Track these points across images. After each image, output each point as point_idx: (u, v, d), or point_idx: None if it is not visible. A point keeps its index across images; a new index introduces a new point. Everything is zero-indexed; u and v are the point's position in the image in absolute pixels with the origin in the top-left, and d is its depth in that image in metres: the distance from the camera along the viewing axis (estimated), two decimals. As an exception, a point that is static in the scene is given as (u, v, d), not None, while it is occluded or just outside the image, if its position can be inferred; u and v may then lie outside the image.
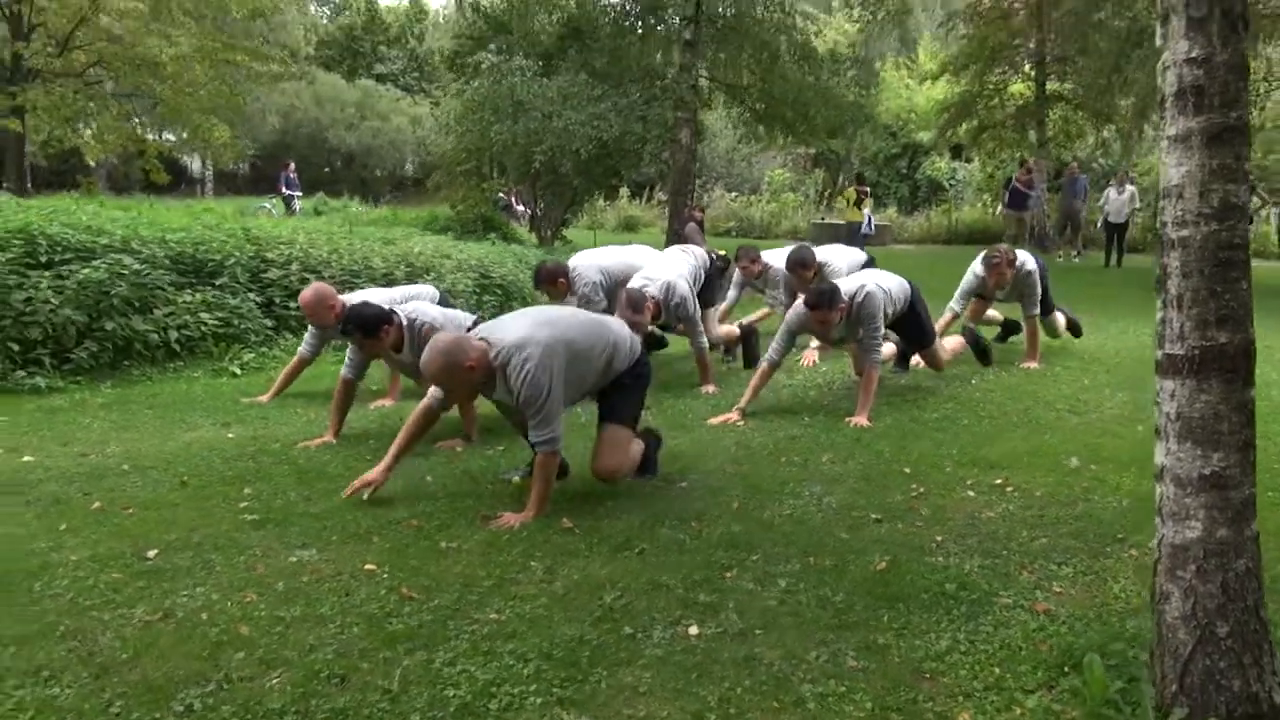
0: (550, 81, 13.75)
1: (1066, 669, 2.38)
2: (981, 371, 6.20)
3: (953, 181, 29.88)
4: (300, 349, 5.55)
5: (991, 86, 20.25)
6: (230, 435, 4.77)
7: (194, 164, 36.62)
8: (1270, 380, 5.74)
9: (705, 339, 5.88)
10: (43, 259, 6.06)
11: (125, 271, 6.10)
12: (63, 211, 7.05)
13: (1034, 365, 6.34)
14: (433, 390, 3.67)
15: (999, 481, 4.00)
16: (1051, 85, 19.60)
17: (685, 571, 2.99)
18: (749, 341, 6.57)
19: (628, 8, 16.93)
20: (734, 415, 5.02)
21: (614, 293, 5.89)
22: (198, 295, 6.63)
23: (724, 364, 6.64)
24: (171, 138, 17.91)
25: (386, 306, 4.56)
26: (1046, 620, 2.67)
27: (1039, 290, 6.35)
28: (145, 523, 3.41)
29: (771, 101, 16.57)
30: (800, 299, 5.17)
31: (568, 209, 18.07)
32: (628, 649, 2.48)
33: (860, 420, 4.85)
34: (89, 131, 16.03)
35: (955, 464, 4.25)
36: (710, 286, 6.48)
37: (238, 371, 6.33)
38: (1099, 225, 17.64)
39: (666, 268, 6.04)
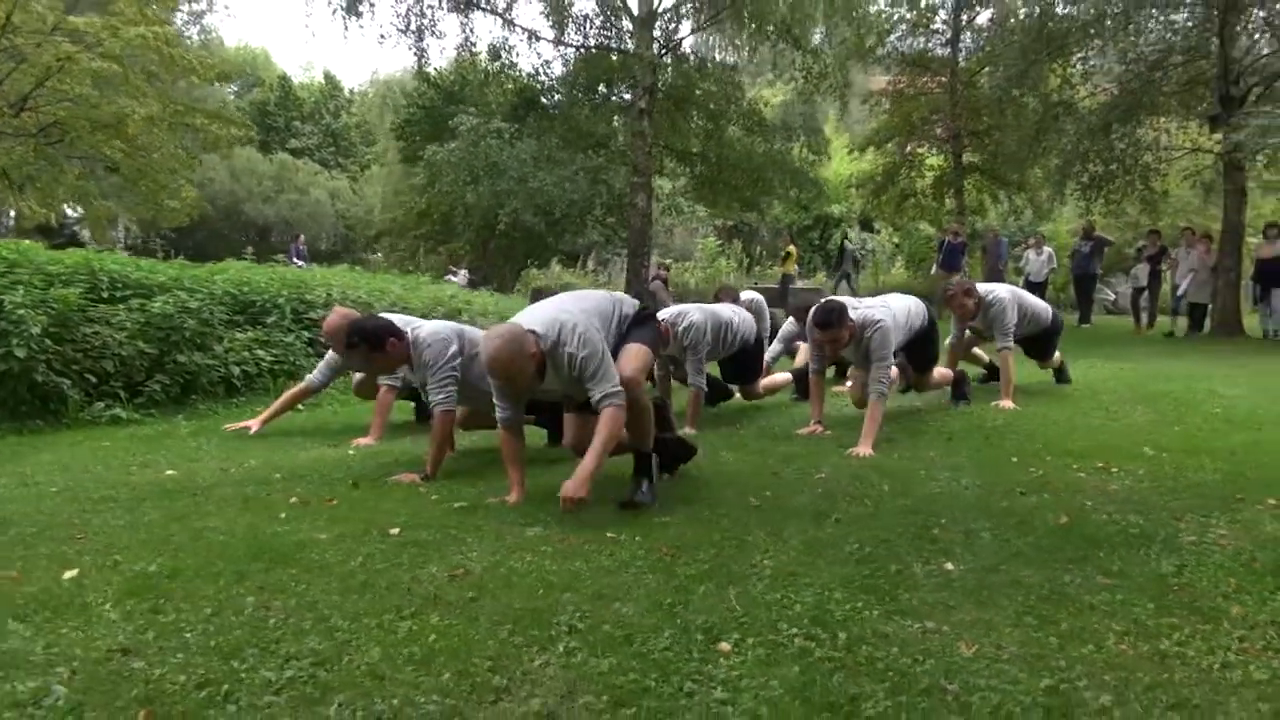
0: (524, 144, 14.14)
1: (1288, 579, 2.73)
2: (969, 410, 6.08)
3: (863, 251, 31.56)
4: (310, 376, 5.48)
5: (912, 158, 21.64)
6: (351, 452, 4.85)
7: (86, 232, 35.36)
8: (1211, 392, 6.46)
9: (703, 379, 5.70)
10: (104, 294, 6.01)
11: (191, 307, 6.10)
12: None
13: (1007, 404, 6.06)
14: (499, 409, 3.70)
15: (1100, 465, 4.41)
16: (967, 157, 21.06)
17: (896, 530, 3.26)
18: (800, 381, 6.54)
19: (581, 79, 17.61)
20: (816, 428, 5.26)
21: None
22: (249, 334, 6.65)
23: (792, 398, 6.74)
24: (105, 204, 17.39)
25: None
26: (1241, 547, 3.04)
27: (1010, 324, 6.19)
28: (359, 510, 3.51)
29: (719, 167, 17.36)
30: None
31: (518, 273, 18.39)
32: (907, 579, 2.75)
33: (863, 450, 4.64)
34: (31, 195, 15.55)
35: (1053, 454, 4.64)
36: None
37: (300, 407, 6.34)
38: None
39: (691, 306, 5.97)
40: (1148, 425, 5.60)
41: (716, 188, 17.73)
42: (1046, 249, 18.03)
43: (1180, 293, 14.73)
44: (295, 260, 20.42)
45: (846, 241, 21.71)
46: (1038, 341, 6.81)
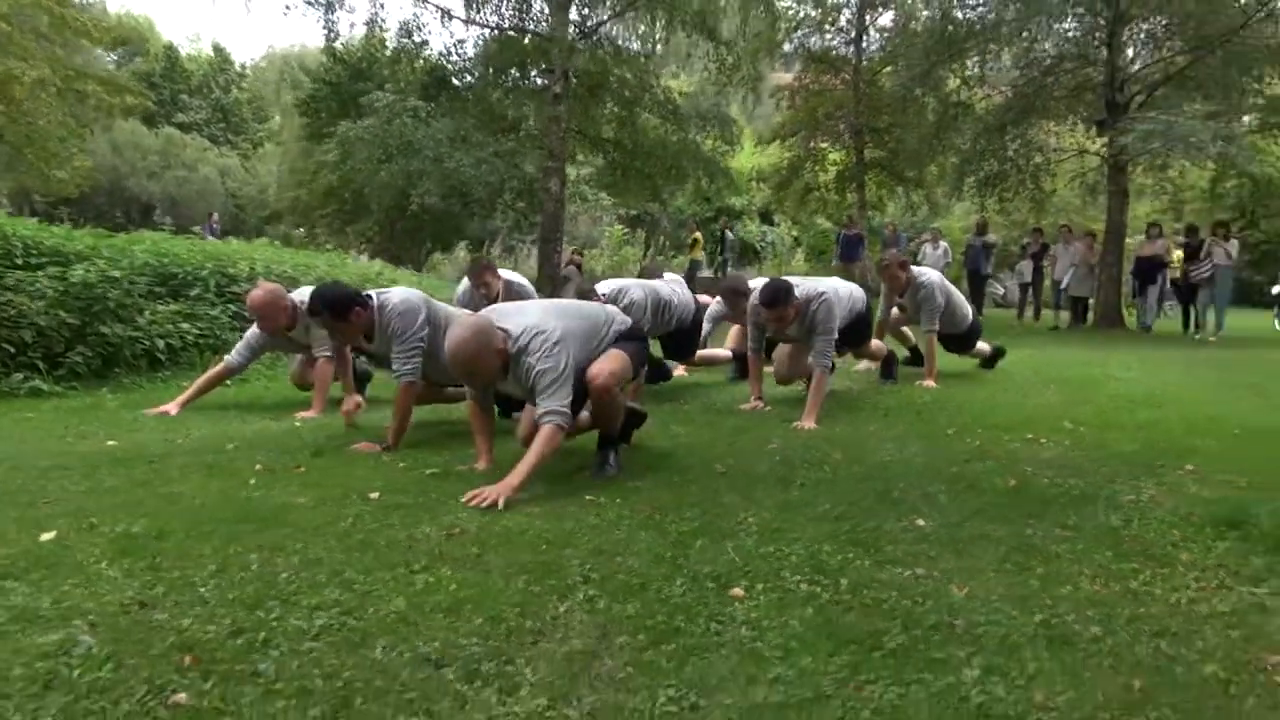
0: (440, 124, 13.92)
1: (1224, 530, 3.00)
2: (897, 389, 6.36)
3: (763, 243, 32.44)
4: (229, 358, 5.13)
5: (816, 153, 22.18)
6: (298, 425, 4.76)
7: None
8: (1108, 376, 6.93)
9: None
10: (18, 261, 5.72)
11: (113, 276, 5.85)
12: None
13: (930, 384, 6.30)
14: (469, 388, 3.74)
15: (1030, 437, 4.68)
16: (868, 153, 21.70)
17: (859, 493, 3.41)
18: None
19: (493, 61, 17.40)
20: (758, 404, 5.35)
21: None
22: (172, 306, 6.41)
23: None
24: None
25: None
26: (1174, 505, 3.31)
27: (936, 307, 6.38)
28: (331, 476, 3.47)
29: (633, 154, 17.44)
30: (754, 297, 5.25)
31: (426, 256, 18.12)
32: (886, 534, 2.90)
33: (808, 423, 4.75)
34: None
35: (983, 428, 4.90)
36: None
37: (228, 382, 6.16)
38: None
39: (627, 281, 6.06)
40: (1061, 403, 5.94)
41: (629, 174, 17.80)
42: (943, 243, 18.73)
43: (1063, 286, 15.53)
44: (209, 238, 19.65)
45: (728, 232, 22.22)
46: (954, 340, 7.09)
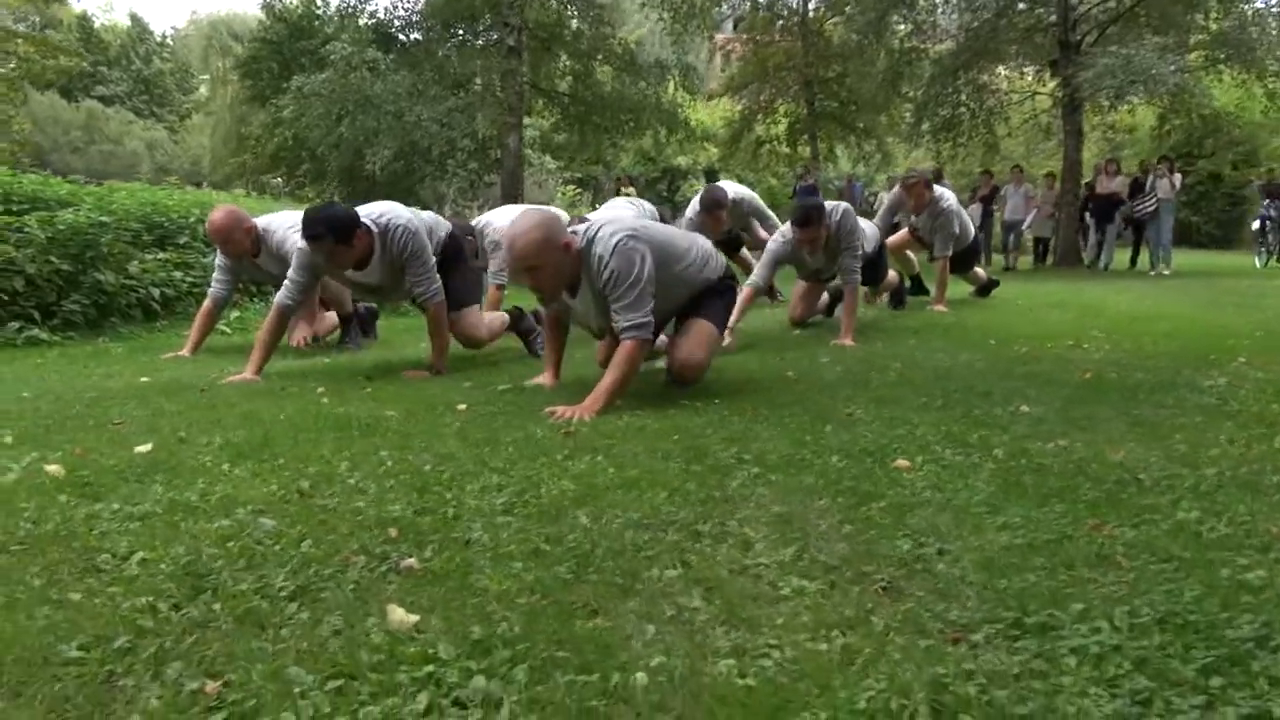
0: (398, 77, 13.49)
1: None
2: (913, 314, 6.38)
3: (712, 201, 32.15)
4: (212, 290, 4.79)
5: (767, 105, 22.09)
6: (326, 361, 4.57)
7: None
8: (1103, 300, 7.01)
9: None
10: (14, 208, 5.36)
11: (104, 221, 5.53)
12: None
13: (942, 308, 6.34)
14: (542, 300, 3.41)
15: (1070, 344, 4.71)
16: (820, 104, 21.69)
17: (944, 389, 3.34)
18: None
19: (440, 17, 16.92)
20: (727, 337, 4.42)
21: None
22: (161, 255, 6.10)
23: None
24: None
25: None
26: (1256, 385, 3.32)
27: (952, 234, 6.39)
28: (404, 395, 3.32)
29: (589, 108, 17.16)
30: (787, 228, 5.06)
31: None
32: (1000, 418, 2.85)
33: (845, 341, 4.71)
34: None
35: (1021, 339, 4.90)
36: None
37: (227, 330, 5.90)
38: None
39: (609, 214, 5.79)
40: (1075, 320, 6.00)
41: (585, 128, 17.52)
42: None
43: (1025, 226, 15.74)
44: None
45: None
46: (957, 259, 7.08)
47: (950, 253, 6.51)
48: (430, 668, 1.15)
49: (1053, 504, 1.91)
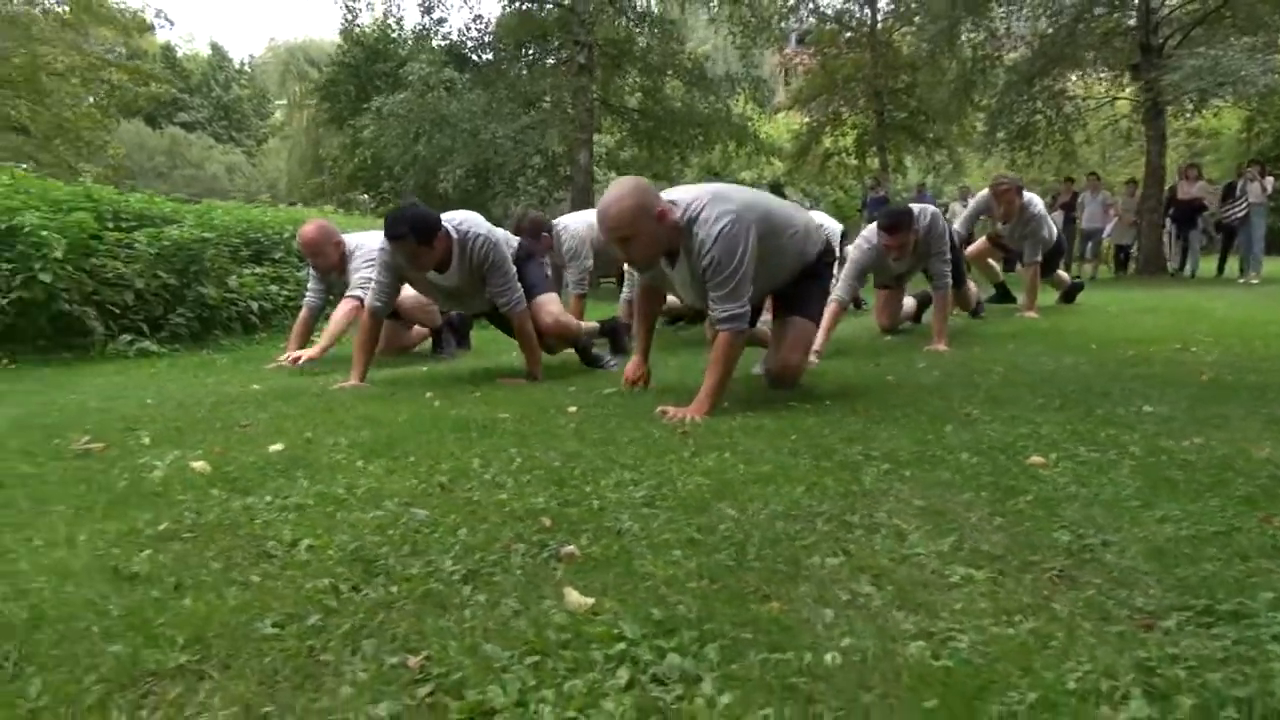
0: (474, 95, 13.72)
1: None
2: (1005, 320, 6.25)
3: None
4: (307, 299, 5.00)
5: (836, 117, 21.95)
6: (424, 370, 4.64)
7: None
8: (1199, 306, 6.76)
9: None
10: (109, 225, 5.58)
11: (207, 237, 5.71)
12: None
13: (1032, 315, 6.21)
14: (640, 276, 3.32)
15: (1178, 347, 4.57)
16: (890, 114, 21.48)
17: (1058, 391, 3.26)
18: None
19: (510, 38, 17.17)
20: (814, 359, 4.36)
21: (602, 250, 5.60)
22: (259, 269, 6.28)
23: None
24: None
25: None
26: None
27: (1042, 239, 6.27)
28: (511, 399, 3.35)
29: (657, 122, 17.23)
30: (870, 231, 4.98)
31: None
32: (1125, 417, 2.76)
33: (940, 346, 4.64)
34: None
35: (1124, 344, 4.77)
36: None
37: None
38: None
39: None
40: (1174, 325, 5.82)
41: (654, 143, 17.59)
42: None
43: (1105, 234, 15.35)
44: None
45: None
46: (1044, 259, 6.94)
47: (1040, 259, 6.40)
48: (621, 646, 1.15)
49: (1207, 498, 1.85)
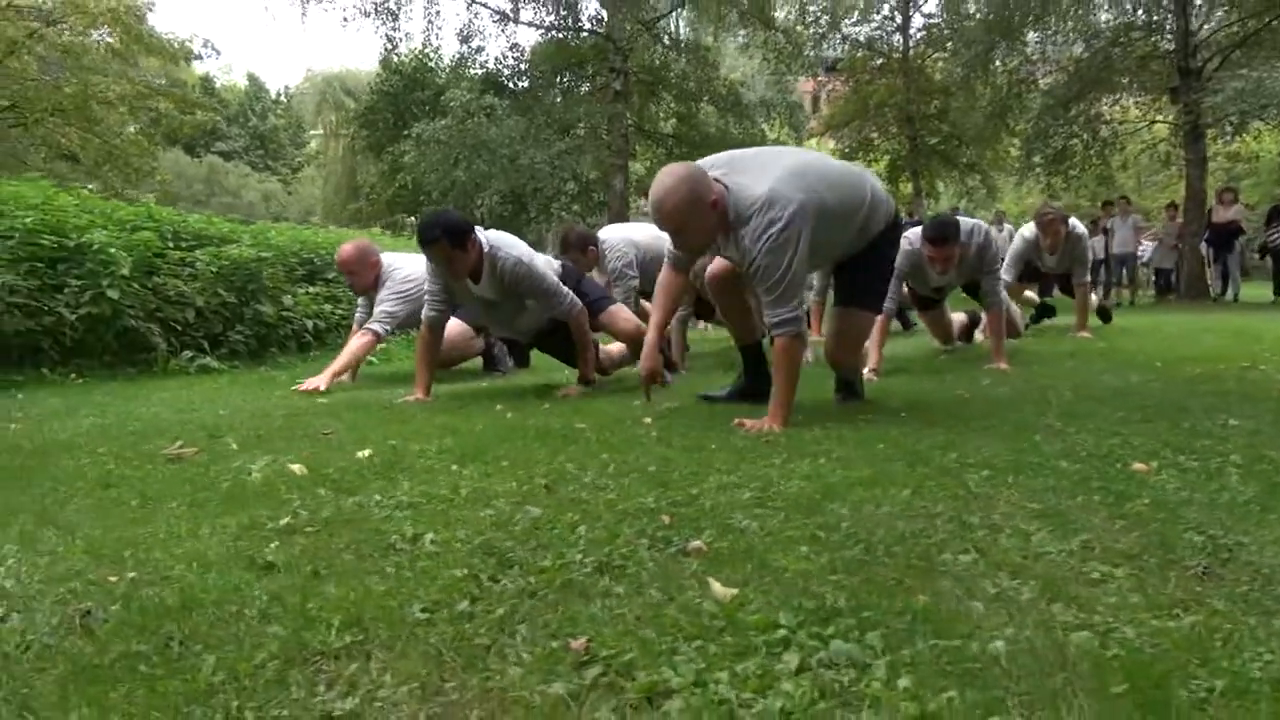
0: (512, 121, 13.88)
1: None
2: (1059, 341, 6.27)
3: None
4: (358, 316, 5.04)
5: (869, 143, 21.99)
6: (484, 385, 4.66)
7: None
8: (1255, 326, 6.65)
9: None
10: (170, 244, 5.67)
11: (265, 256, 5.79)
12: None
13: (1085, 335, 6.18)
14: (669, 249, 3.18)
15: (1245, 365, 4.49)
16: (923, 140, 21.48)
17: (1138, 407, 3.21)
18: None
19: (546, 65, 17.36)
20: (871, 375, 4.47)
21: (647, 267, 5.50)
22: (313, 289, 6.35)
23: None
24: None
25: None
26: None
27: (1088, 258, 6.33)
28: (582, 411, 3.35)
29: (692, 148, 17.30)
30: (914, 234, 4.84)
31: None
32: (1213, 430, 2.72)
33: (1000, 364, 4.54)
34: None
35: (1189, 362, 4.71)
36: None
37: (374, 360, 6.09)
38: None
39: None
40: (1235, 344, 5.73)
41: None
42: (1007, 226, 18.45)
43: (1144, 260, 15.22)
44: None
45: None
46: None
47: (1089, 278, 6.39)
48: (782, 632, 1.14)
49: (1334, 500, 1.81)
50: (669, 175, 2.79)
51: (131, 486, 2.09)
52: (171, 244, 5.69)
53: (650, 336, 3.27)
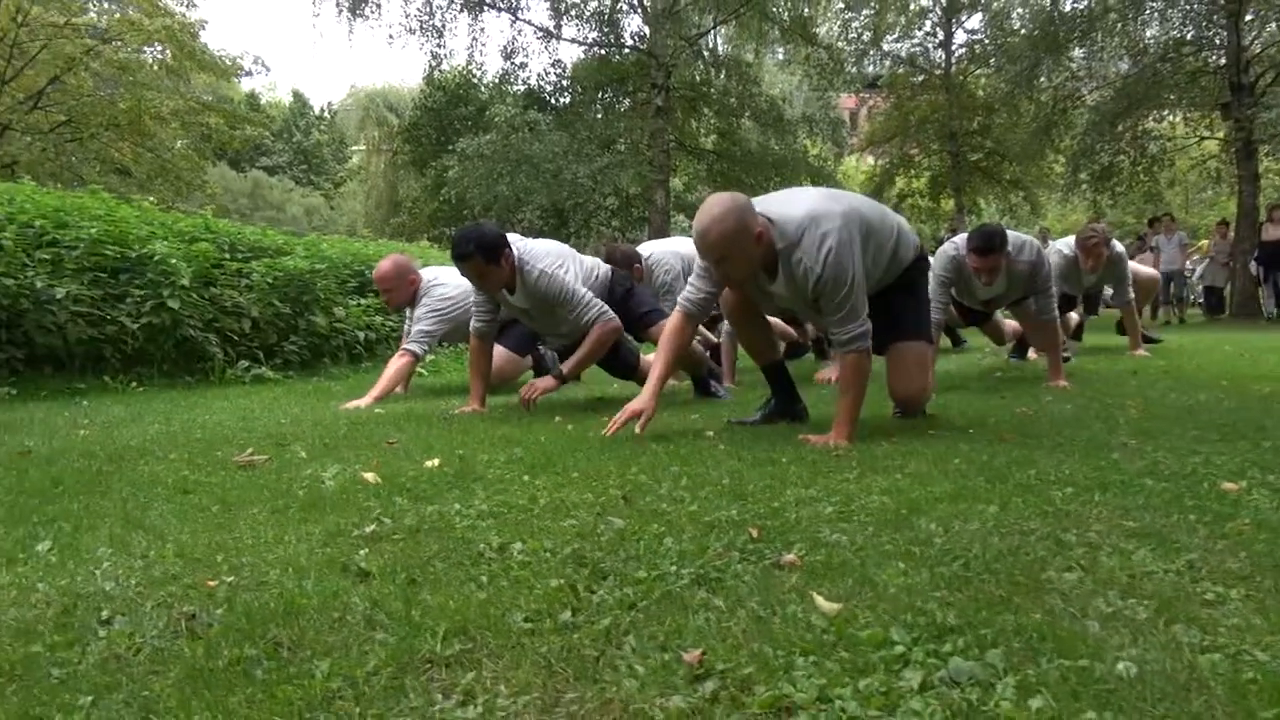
0: (556, 136, 13.97)
1: None
2: (1115, 359, 6.09)
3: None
4: (407, 345, 4.68)
5: (909, 159, 21.89)
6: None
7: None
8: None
9: None
10: (226, 255, 5.75)
11: (319, 268, 5.85)
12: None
13: (1143, 353, 6.04)
14: (685, 296, 3.13)
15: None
16: (965, 156, 21.33)
17: (1208, 422, 3.14)
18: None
19: (590, 81, 17.46)
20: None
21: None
22: (364, 301, 6.41)
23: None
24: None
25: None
26: None
27: (1130, 275, 6.12)
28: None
29: (732, 163, 17.32)
30: (960, 239, 4.74)
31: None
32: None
33: (1060, 382, 4.44)
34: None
35: (1257, 381, 4.60)
36: None
37: (424, 372, 6.12)
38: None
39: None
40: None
41: (729, 185, 17.64)
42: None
43: (1195, 277, 14.96)
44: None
45: None
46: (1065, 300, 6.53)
47: (1133, 296, 6.20)
48: (898, 649, 1.11)
49: None
50: (717, 204, 2.72)
51: (210, 492, 2.10)
52: (228, 255, 5.76)
53: (652, 384, 3.04)
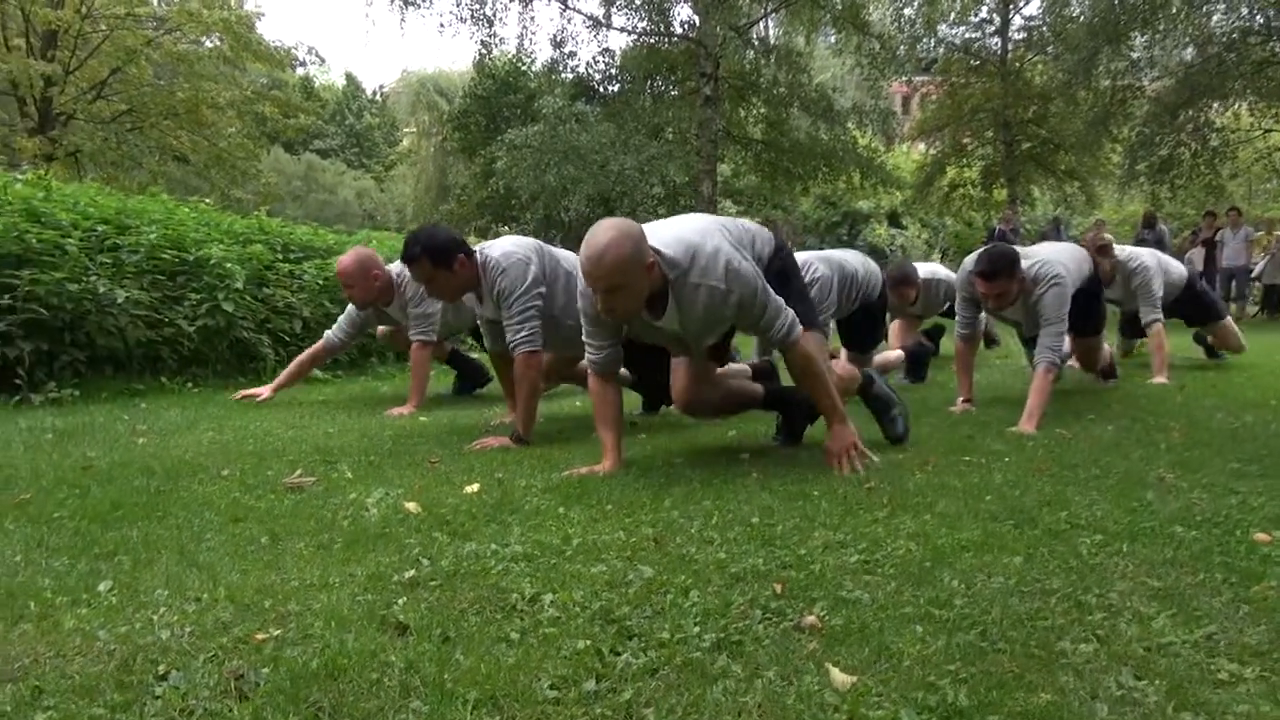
0: (603, 128, 14.02)
1: None
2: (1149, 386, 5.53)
3: (892, 248, 31.62)
4: (329, 333, 4.61)
5: (962, 148, 21.54)
6: (579, 404, 4.73)
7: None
8: None
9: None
10: (278, 256, 5.89)
11: (369, 268, 5.96)
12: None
13: (1163, 380, 5.35)
14: (590, 351, 2.95)
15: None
16: (1020, 145, 20.94)
17: (1255, 454, 3.11)
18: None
19: (639, 70, 17.43)
20: (967, 405, 4.45)
21: None
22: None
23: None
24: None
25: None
26: None
27: (1155, 293, 5.55)
28: (658, 447, 3.39)
29: (780, 153, 17.21)
30: (970, 260, 4.42)
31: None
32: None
33: (1027, 427, 3.73)
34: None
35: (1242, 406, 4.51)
36: None
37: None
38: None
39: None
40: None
41: (777, 173, 17.59)
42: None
43: (1254, 274, 14.59)
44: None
45: None
46: (1186, 304, 6.10)
47: (1161, 315, 5.58)
48: (909, 732, 1.16)
49: None
50: (611, 228, 2.55)
51: (260, 521, 2.20)
52: (280, 256, 5.91)
53: (611, 453, 2.90)
